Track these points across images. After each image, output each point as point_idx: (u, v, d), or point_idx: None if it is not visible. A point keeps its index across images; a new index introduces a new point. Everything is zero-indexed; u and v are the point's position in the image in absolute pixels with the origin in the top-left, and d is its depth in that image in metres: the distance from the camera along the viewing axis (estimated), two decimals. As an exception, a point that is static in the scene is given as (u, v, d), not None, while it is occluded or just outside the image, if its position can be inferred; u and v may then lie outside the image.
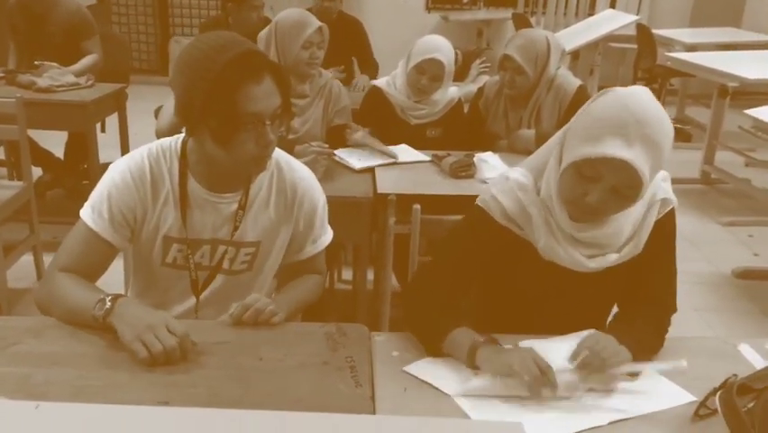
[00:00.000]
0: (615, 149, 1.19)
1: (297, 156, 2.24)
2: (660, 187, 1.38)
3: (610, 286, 1.43)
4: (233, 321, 1.37)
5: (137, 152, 1.46)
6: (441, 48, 2.64)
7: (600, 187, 1.25)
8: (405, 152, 2.63)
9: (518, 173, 1.41)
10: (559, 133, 1.36)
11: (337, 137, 2.62)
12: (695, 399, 1.20)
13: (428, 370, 1.27)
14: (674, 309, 1.45)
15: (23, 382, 1.15)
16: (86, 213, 1.42)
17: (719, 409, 1.11)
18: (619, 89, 1.28)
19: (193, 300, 1.54)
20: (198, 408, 1.08)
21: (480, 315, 1.54)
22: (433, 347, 1.32)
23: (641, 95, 1.24)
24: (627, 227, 1.36)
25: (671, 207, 1.39)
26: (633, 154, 1.19)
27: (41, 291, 1.40)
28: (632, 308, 1.44)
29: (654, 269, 1.42)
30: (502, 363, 1.21)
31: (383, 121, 2.76)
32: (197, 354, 1.26)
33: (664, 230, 1.39)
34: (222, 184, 1.46)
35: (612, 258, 1.37)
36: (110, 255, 1.45)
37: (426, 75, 2.65)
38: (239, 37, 1.35)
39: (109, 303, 1.28)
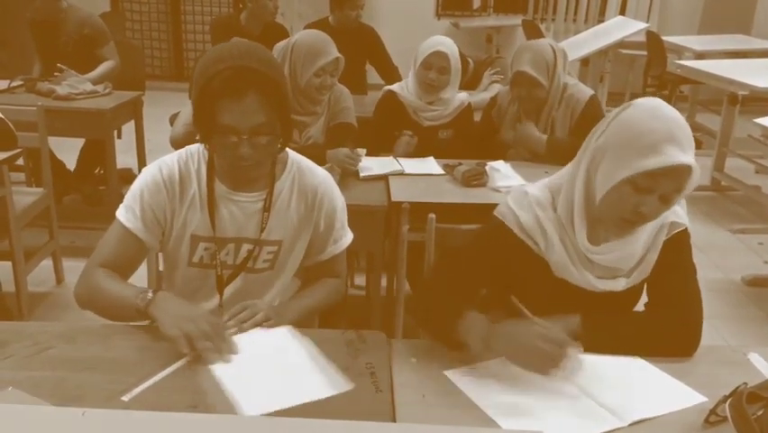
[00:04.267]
0: (677, 156, 1.25)
1: (329, 160, 2.36)
2: (672, 210, 1.40)
3: (620, 306, 1.45)
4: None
5: (169, 156, 1.55)
6: (443, 42, 2.79)
7: (654, 197, 1.30)
8: (421, 163, 2.66)
9: (537, 189, 1.44)
10: (584, 155, 1.38)
11: (336, 135, 2.60)
12: (706, 399, 1.24)
13: (467, 379, 1.29)
14: (695, 317, 1.41)
15: (58, 385, 1.20)
16: (120, 213, 1.52)
17: (729, 416, 1.15)
18: (640, 102, 1.33)
19: (217, 299, 1.60)
20: (225, 414, 1.12)
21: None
22: (447, 336, 1.34)
23: (663, 104, 1.31)
24: (639, 250, 1.40)
25: (681, 228, 1.42)
26: (691, 158, 1.26)
27: (81, 286, 1.49)
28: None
29: (666, 282, 1.43)
30: (518, 348, 1.27)
31: (397, 123, 2.86)
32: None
33: (674, 249, 1.41)
34: (244, 184, 1.53)
35: (621, 283, 1.41)
36: (142, 252, 1.55)
37: (434, 69, 2.76)
38: (246, 51, 1.40)
39: (151, 294, 1.38)
